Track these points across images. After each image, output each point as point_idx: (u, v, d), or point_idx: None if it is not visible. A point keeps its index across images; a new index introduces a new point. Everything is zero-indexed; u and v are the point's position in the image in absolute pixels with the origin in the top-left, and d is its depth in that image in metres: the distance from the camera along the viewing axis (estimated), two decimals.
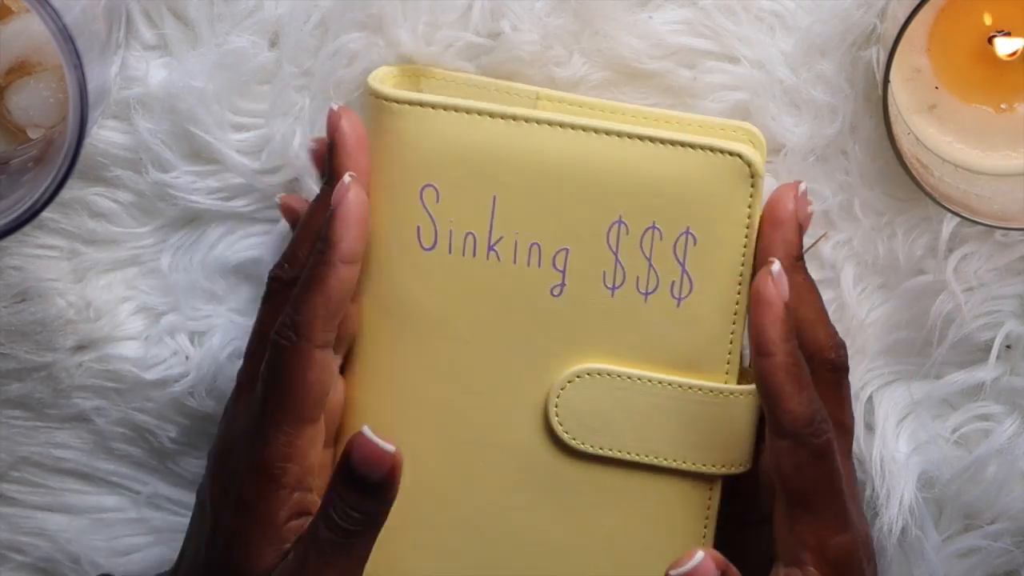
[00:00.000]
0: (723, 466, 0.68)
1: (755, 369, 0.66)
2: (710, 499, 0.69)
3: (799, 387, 0.66)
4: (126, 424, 0.77)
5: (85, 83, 0.62)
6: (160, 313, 0.76)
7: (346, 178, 0.66)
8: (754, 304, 0.66)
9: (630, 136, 0.66)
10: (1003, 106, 0.72)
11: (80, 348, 0.76)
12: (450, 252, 0.67)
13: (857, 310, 0.74)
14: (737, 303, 0.67)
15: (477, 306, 0.68)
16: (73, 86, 0.62)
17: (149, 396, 0.77)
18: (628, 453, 0.68)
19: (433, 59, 0.72)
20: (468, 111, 0.67)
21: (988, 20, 0.70)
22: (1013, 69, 0.71)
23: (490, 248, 0.67)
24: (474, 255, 0.67)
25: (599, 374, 0.68)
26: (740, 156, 0.66)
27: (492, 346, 0.68)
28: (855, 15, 0.71)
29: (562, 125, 0.67)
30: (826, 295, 0.73)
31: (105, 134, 0.74)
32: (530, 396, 0.68)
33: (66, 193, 0.73)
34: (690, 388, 0.67)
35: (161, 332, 0.76)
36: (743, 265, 0.67)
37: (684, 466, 0.68)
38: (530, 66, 0.72)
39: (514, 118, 0.67)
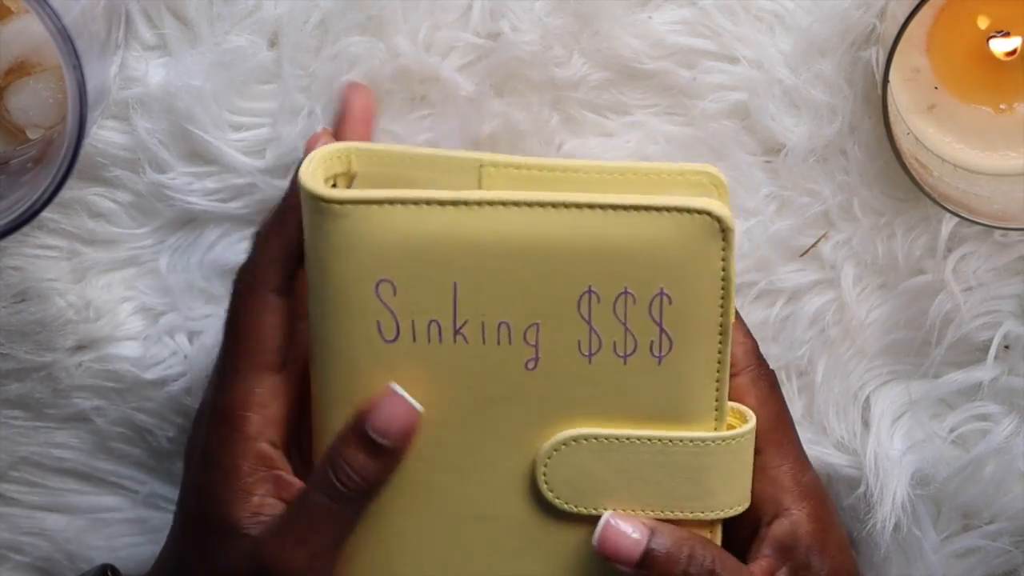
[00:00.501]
0: (721, 510, 0.67)
1: None
2: (710, 539, 0.67)
3: (741, 321, 0.69)
4: (125, 424, 0.77)
5: (84, 83, 0.62)
6: (159, 313, 0.76)
7: (318, 129, 0.67)
8: None
9: (590, 206, 0.63)
10: (1002, 106, 0.72)
11: (80, 348, 0.76)
12: (414, 340, 0.65)
13: (857, 310, 0.74)
14: (720, 351, 0.65)
15: (449, 388, 0.66)
16: (72, 86, 0.62)
17: (148, 396, 0.77)
18: (623, 510, 0.66)
19: (433, 61, 0.72)
20: (416, 202, 0.63)
21: (984, 23, 0.71)
22: (1012, 69, 0.71)
23: (456, 332, 0.65)
24: (440, 341, 0.65)
25: (586, 439, 0.66)
26: (709, 214, 0.63)
27: (470, 424, 0.66)
28: (854, 15, 0.71)
29: (516, 204, 0.63)
30: (826, 295, 0.73)
31: (104, 134, 0.74)
32: (516, 468, 0.66)
33: (66, 193, 0.73)
34: (680, 442, 0.66)
35: (160, 332, 0.76)
36: (722, 316, 0.65)
37: (682, 516, 0.67)
38: (530, 66, 0.72)
39: (465, 203, 0.63)
